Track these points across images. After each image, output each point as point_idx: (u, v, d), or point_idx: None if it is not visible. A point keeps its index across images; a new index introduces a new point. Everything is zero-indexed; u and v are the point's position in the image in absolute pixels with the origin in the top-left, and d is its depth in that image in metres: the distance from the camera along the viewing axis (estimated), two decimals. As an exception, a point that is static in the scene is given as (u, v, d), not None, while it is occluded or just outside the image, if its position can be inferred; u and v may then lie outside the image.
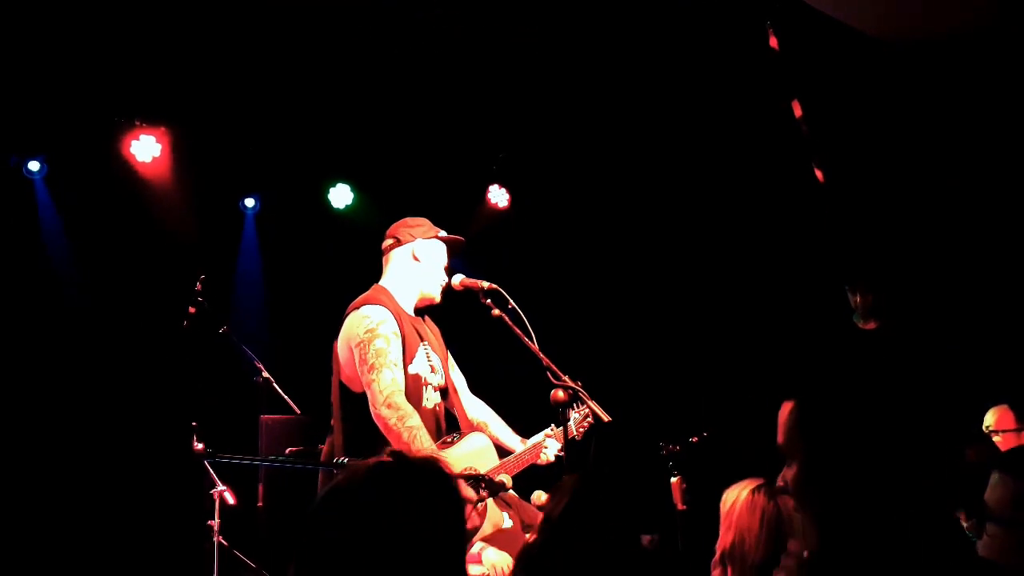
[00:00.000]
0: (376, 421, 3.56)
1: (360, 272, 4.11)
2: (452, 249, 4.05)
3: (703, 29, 5.77)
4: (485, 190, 7.50)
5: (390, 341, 3.67)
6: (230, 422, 5.57)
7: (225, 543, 4.88)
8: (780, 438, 1.81)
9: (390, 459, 1.68)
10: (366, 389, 3.62)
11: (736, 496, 2.62)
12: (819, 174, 5.11)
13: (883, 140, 5.90)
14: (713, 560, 2.63)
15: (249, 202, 7.03)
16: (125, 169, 6.30)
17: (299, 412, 5.52)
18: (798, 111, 5.16)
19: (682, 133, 6.81)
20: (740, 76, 6.00)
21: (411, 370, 3.74)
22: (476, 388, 4.21)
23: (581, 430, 3.88)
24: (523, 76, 6.42)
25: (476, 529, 3.60)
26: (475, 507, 3.55)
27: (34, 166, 6.20)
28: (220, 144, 6.61)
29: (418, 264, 3.93)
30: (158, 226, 6.37)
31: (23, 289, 6.03)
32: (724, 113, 6.44)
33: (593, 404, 3.51)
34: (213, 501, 4.85)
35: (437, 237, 4.00)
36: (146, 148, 6.31)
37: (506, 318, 3.64)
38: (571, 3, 5.70)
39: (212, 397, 5.66)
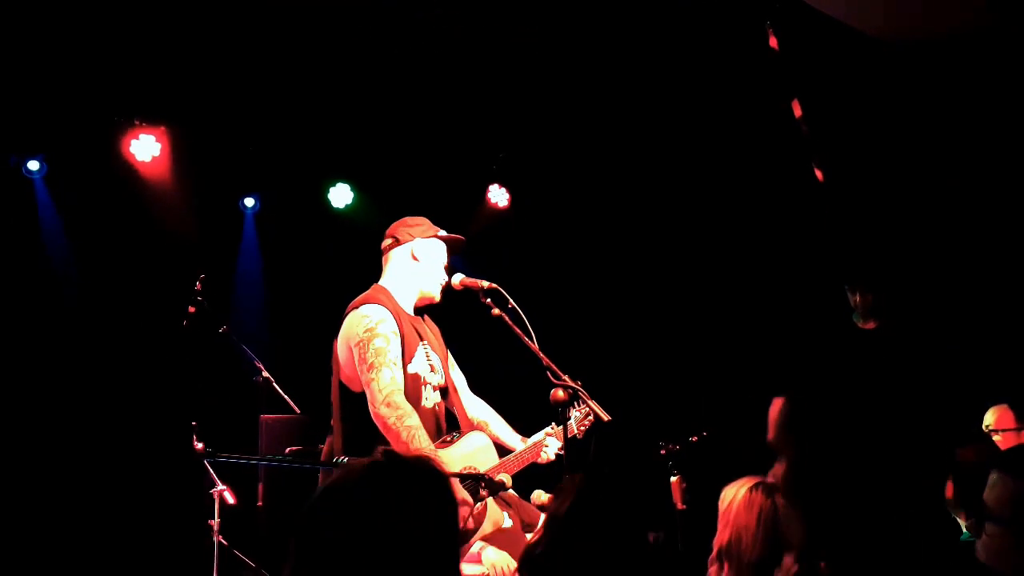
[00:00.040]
0: (375, 420, 3.56)
1: (360, 272, 4.11)
2: (452, 248, 4.05)
3: (703, 29, 5.77)
4: (485, 190, 7.50)
5: (389, 340, 3.67)
6: (230, 422, 5.58)
7: (225, 542, 4.89)
8: (770, 434, 1.82)
9: (383, 458, 1.68)
10: (365, 388, 3.62)
11: (734, 494, 2.64)
12: (819, 174, 5.11)
13: (883, 140, 5.90)
14: (710, 557, 2.64)
15: (249, 202, 7.03)
16: (125, 169, 6.30)
17: (299, 412, 5.52)
18: (798, 111, 5.16)
19: (682, 133, 6.81)
20: (740, 76, 6.00)
21: (410, 369, 3.74)
22: (476, 388, 4.21)
23: (582, 429, 3.88)
24: (523, 76, 6.42)
25: (476, 528, 3.60)
26: (473, 507, 3.55)
27: (34, 166, 6.20)
28: (220, 144, 6.61)
29: (417, 263, 3.93)
30: (158, 226, 6.37)
31: (23, 289, 6.03)
32: (724, 113, 6.44)
33: (593, 403, 3.52)
34: (213, 500, 4.86)
35: (436, 236, 4.00)
36: (146, 148, 6.31)
37: (506, 317, 3.64)
38: (571, 3, 5.70)
39: (212, 397, 5.67)
